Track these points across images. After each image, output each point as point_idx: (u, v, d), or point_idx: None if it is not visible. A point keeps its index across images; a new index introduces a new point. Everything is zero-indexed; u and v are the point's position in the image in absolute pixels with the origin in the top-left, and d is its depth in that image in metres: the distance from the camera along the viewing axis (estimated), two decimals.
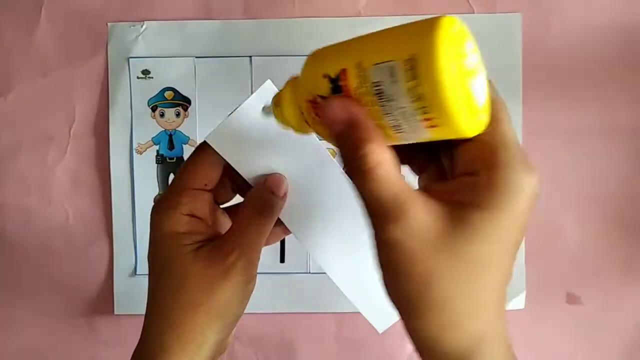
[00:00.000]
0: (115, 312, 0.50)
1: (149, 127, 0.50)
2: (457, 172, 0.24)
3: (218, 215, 0.33)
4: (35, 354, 0.51)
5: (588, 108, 0.49)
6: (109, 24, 0.49)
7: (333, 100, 0.23)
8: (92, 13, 0.49)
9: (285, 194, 0.31)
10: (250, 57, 0.49)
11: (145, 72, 0.49)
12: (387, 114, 0.22)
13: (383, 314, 0.32)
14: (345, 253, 0.32)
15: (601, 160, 0.49)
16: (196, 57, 0.49)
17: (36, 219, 0.50)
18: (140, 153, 0.50)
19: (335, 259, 0.30)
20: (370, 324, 0.33)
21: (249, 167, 0.31)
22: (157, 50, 0.49)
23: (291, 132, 0.28)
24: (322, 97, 0.24)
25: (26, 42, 0.49)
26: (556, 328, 0.50)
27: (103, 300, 0.50)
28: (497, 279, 0.23)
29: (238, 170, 0.30)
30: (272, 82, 0.30)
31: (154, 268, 0.30)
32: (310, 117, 0.25)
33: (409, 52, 0.21)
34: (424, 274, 0.22)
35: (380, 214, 0.23)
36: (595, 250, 0.50)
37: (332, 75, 0.23)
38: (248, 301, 0.31)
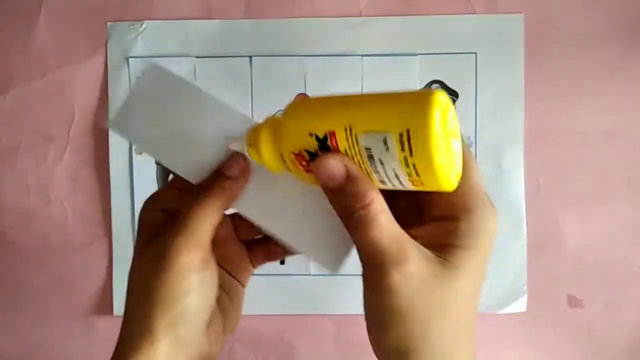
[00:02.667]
0: (115, 313, 0.50)
1: None
2: (434, 216, 0.27)
3: None
4: (35, 354, 0.51)
5: (589, 108, 0.49)
6: (108, 23, 0.49)
7: (328, 159, 0.24)
8: (92, 12, 0.49)
9: (238, 175, 0.30)
10: (250, 57, 0.49)
11: None
12: (375, 172, 0.24)
13: (334, 256, 0.31)
14: (285, 208, 0.31)
15: (602, 160, 0.49)
16: (196, 57, 0.49)
17: (35, 218, 0.50)
18: (140, 154, 0.49)
19: (279, 216, 0.30)
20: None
21: (163, 149, 0.31)
22: (157, 49, 0.49)
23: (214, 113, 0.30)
24: (309, 152, 0.25)
25: (25, 42, 0.49)
26: (557, 331, 0.50)
27: (102, 301, 0.50)
28: (475, 305, 0.27)
29: (153, 155, 0.31)
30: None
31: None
32: (294, 166, 0.26)
33: (403, 126, 0.22)
34: (424, 312, 0.25)
35: (382, 261, 0.25)
36: (597, 253, 0.49)
37: (320, 135, 0.24)
38: (210, 295, 0.29)
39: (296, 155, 0.25)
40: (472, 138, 0.49)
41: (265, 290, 0.50)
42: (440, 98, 0.22)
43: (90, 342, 0.51)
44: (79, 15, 0.49)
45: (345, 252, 0.30)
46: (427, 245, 0.26)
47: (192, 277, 0.28)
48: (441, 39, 0.49)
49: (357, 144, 0.23)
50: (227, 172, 0.29)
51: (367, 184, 0.25)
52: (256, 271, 0.49)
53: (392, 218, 0.25)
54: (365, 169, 0.24)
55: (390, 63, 0.49)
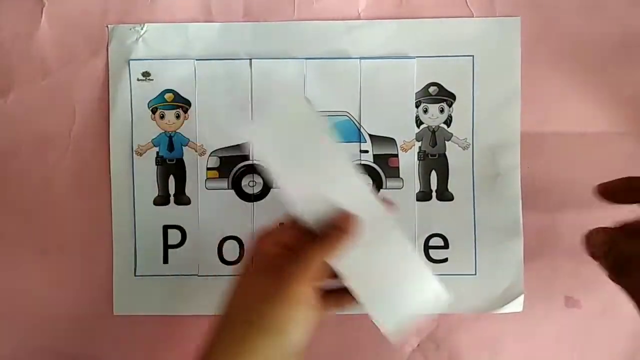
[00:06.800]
0: (115, 313, 0.50)
1: (148, 129, 0.50)
2: None
3: None
4: (34, 354, 0.51)
5: (586, 110, 0.49)
6: (109, 26, 0.50)
7: None
8: (93, 15, 0.50)
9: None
10: (250, 59, 0.49)
11: (146, 74, 0.49)
12: None
13: (396, 328, 0.35)
14: (372, 276, 0.35)
15: (599, 162, 0.49)
16: (196, 60, 0.49)
17: (36, 219, 0.50)
18: (140, 154, 0.50)
19: (365, 281, 0.35)
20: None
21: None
22: (158, 52, 0.49)
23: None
24: None
25: (27, 44, 0.50)
26: (554, 332, 0.50)
27: (102, 301, 0.50)
28: None
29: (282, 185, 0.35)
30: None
31: None
32: None
33: None
34: None
35: None
36: None
37: None
38: (309, 330, 0.34)
39: None
40: (470, 140, 0.49)
41: None
42: None
43: (90, 342, 0.51)
44: (80, 17, 0.50)
45: (408, 325, 0.35)
46: None
47: (300, 309, 0.32)
48: (439, 42, 0.49)
49: None
50: (343, 226, 0.34)
51: None
52: None
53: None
54: None
55: (389, 66, 0.49)
